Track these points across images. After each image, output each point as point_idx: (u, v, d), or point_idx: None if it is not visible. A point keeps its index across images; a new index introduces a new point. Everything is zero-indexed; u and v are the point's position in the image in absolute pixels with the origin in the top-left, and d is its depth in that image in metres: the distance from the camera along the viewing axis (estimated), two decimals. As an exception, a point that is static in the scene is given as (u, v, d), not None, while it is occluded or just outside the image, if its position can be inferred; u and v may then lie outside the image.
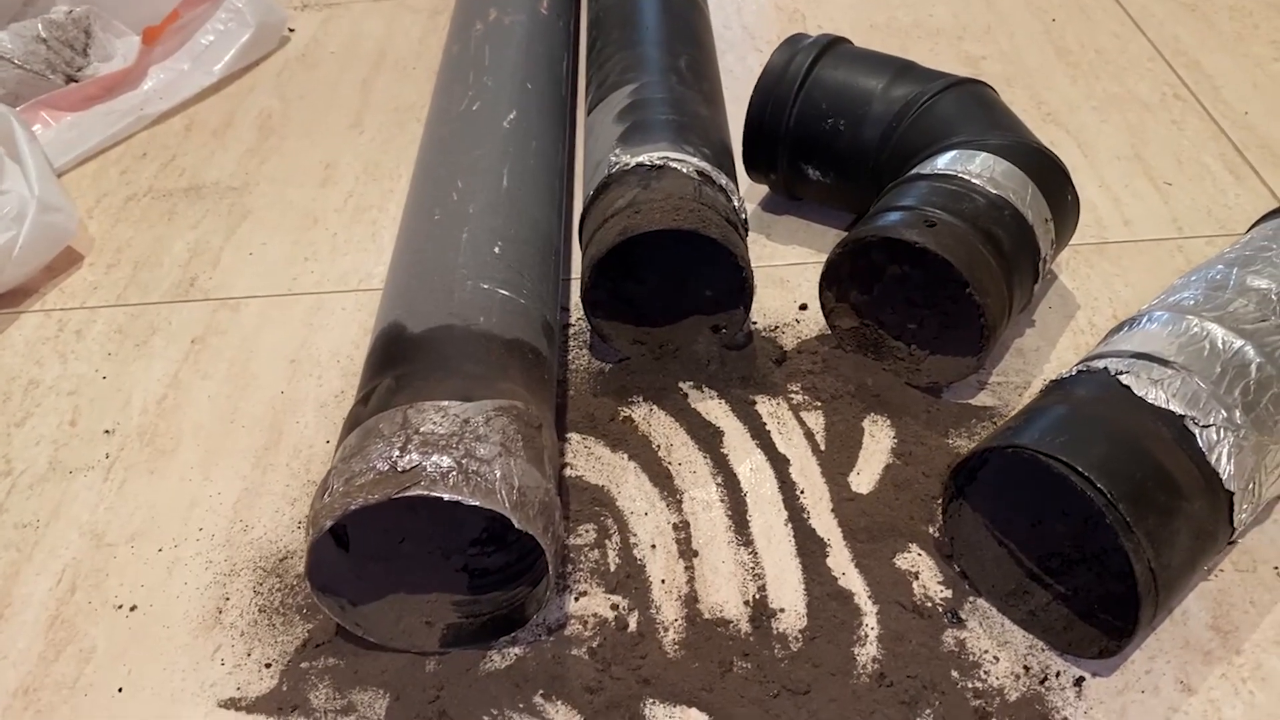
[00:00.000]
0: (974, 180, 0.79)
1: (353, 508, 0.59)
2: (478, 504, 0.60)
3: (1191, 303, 0.69)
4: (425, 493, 0.59)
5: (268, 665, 0.68)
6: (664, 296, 0.89)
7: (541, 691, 0.65)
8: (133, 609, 0.73)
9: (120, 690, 0.68)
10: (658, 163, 0.84)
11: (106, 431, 0.86)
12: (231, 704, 0.67)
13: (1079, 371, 0.67)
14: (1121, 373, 0.64)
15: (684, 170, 0.83)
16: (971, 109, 0.88)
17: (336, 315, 0.94)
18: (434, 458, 0.61)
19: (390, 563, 0.70)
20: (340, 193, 1.10)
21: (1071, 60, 1.20)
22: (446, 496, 0.59)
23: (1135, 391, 0.63)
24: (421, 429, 0.63)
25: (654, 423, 0.82)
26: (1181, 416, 0.61)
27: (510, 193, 0.85)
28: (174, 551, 0.76)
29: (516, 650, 0.68)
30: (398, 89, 1.26)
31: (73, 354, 0.93)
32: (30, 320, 0.97)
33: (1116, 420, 0.62)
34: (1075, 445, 0.60)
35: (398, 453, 0.61)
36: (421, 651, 0.67)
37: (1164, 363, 0.64)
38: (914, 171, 0.83)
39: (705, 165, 0.85)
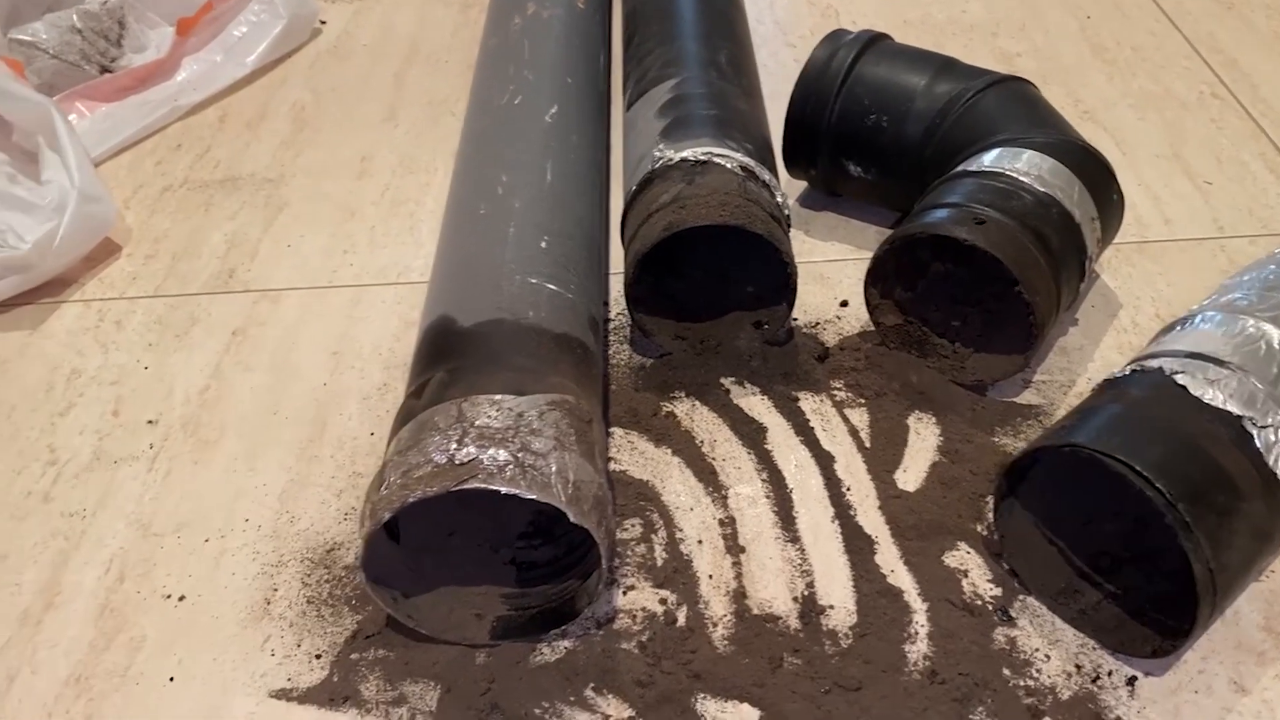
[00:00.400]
0: (1021, 178, 0.79)
1: (411, 500, 0.59)
2: (534, 497, 0.60)
3: (1245, 303, 0.69)
4: (484, 486, 0.59)
5: (318, 656, 0.69)
6: (705, 292, 0.89)
7: (592, 685, 0.65)
8: (181, 599, 0.73)
9: (171, 680, 0.68)
10: (702, 158, 0.84)
11: (150, 422, 0.86)
12: (283, 695, 0.67)
13: (1132, 371, 0.67)
14: (1177, 372, 0.64)
15: (728, 165, 0.83)
16: (1015, 106, 0.87)
17: (376, 308, 0.95)
18: (491, 451, 0.61)
19: (440, 555, 0.70)
20: (377, 186, 1.10)
21: (1107, 57, 1.20)
22: (504, 490, 0.60)
23: (1191, 391, 0.63)
24: (477, 422, 0.63)
25: (696, 418, 0.82)
26: (1239, 417, 0.61)
27: (554, 188, 0.85)
28: (221, 542, 0.76)
29: (566, 644, 0.68)
30: (431, 82, 1.26)
31: (113, 344, 0.93)
32: (70, 310, 0.97)
33: (1173, 420, 0.62)
34: (1133, 445, 0.60)
35: (455, 445, 0.61)
36: (472, 644, 0.68)
37: (1219, 363, 0.64)
38: (960, 168, 0.83)
39: (749, 160, 0.85)
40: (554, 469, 0.62)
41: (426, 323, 0.75)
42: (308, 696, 0.67)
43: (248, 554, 0.75)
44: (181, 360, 0.91)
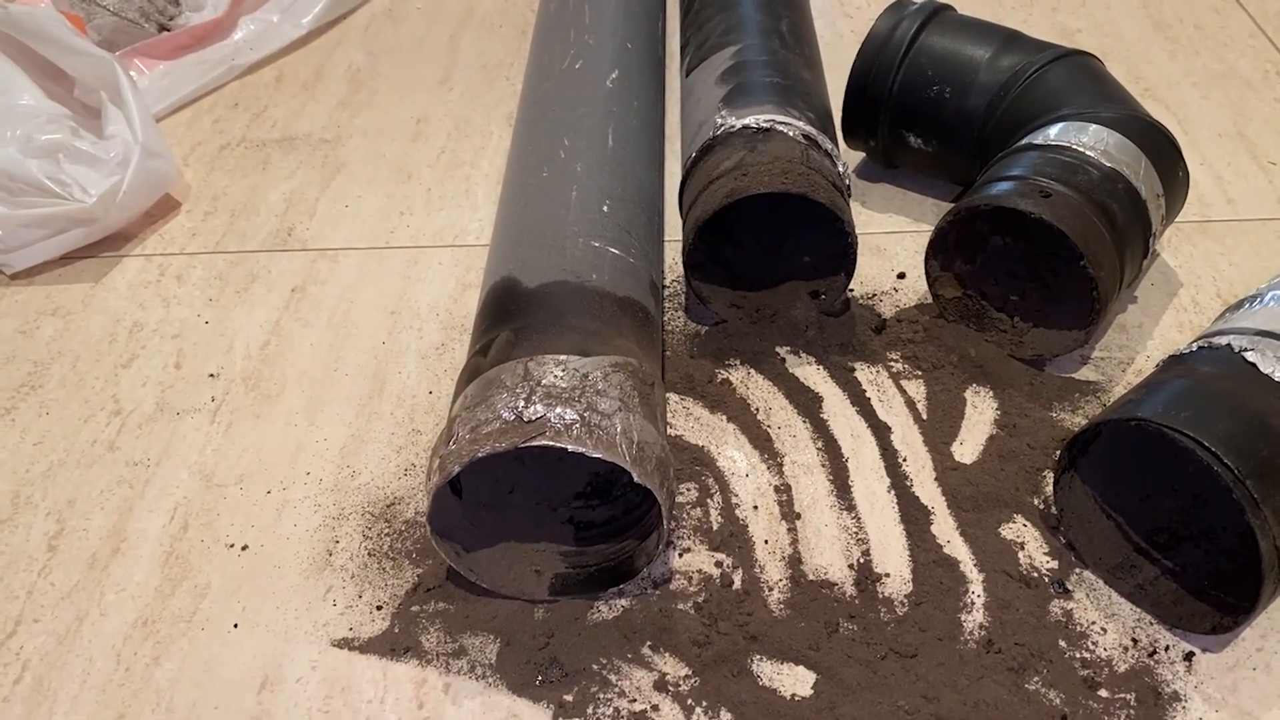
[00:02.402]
0: (1087, 152, 0.78)
1: (481, 454, 0.60)
2: (601, 456, 0.61)
3: (1316, 282, 0.68)
4: (551, 443, 0.60)
5: (379, 608, 0.70)
6: (762, 260, 0.89)
7: (650, 643, 0.66)
8: (244, 548, 0.74)
9: (235, 626, 0.70)
10: (764, 125, 0.84)
11: (211, 375, 0.87)
12: (345, 644, 0.68)
13: (1199, 348, 0.67)
14: (1246, 350, 0.64)
15: (790, 134, 0.83)
16: (1081, 80, 0.87)
17: (434, 269, 0.95)
18: (558, 410, 0.62)
19: (500, 512, 0.71)
20: (432, 148, 1.10)
21: (1170, 35, 1.18)
22: (571, 447, 0.60)
23: (1261, 369, 0.62)
24: (543, 381, 0.64)
25: (752, 386, 0.82)
26: (1309, 396, 0.61)
27: (615, 152, 0.85)
28: (282, 494, 0.78)
29: (624, 602, 0.69)
30: (485, 46, 1.26)
31: (174, 298, 0.95)
32: (132, 264, 0.99)
33: (1242, 397, 0.61)
34: (1201, 420, 0.60)
35: (522, 403, 0.62)
36: (530, 599, 0.69)
37: (1290, 341, 0.64)
38: (1024, 142, 0.83)
39: (811, 129, 0.84)
40: (619, 429, 0.62)
41: (490, 283, 0.76)
42: (369, 647, 0.68)
43: (309, 506, 0.77)
44: (241, 315, 0.92)
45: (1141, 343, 0.83)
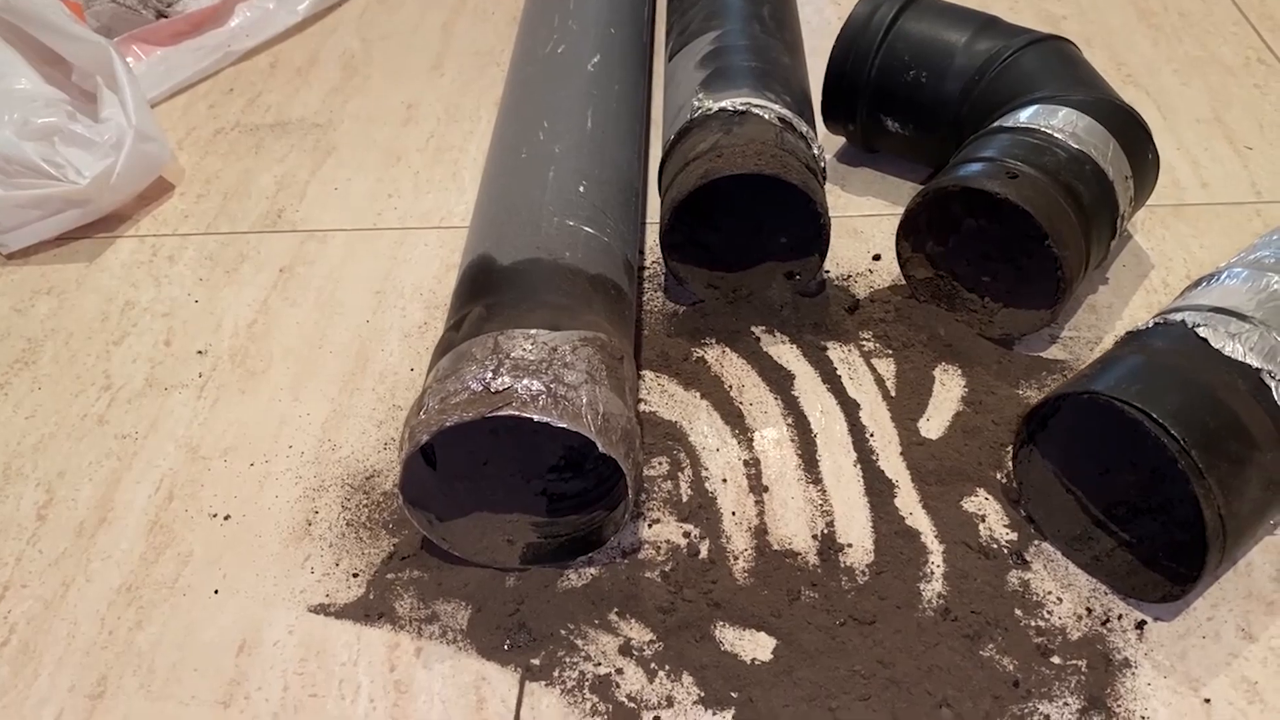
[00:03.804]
0: (1056, 134, 0.80)
1: (448, 424, 0.62)
2: (565, 426, 0.62)
3: (1272, 260, 0.69)
4: (516, 413, 0.62)
5: (355, 575, 0.72)
6: (739, 242, 0.90)
7: (616, 610, 0.68)
8: (227, 518, 0.76)
9: (216, 592, 0.72)
10: (740, 108, 0.85)
11: (199, 352, 0.89)
12: (321, 609, 0.70)
13: (1156, 324, 0.68)
14: (1199, 325, 0.65)
15: (766, 116, 0.85)
16: (1055, 65, 0.88)
17: (419, 250, 0.97)
18: (524, 381, 0.63)
19: (474, 483, 0.73)
20: (422, 133, 1.12)
21: (1154, 22, 1.19)
22: (536, 417, 0.62)
23: (1212, 344, 0.64)
24: (512, 354, 0.65)
25: (726, 364, 0.84)
26: (1258, 370, 0.62)
27: (594, 135, 0.87)
28: (265, 466, 0.80)
29: (593, 570, 0.70)
30: (477, 33, 1.28)
31: (166, 278, 0.97)
32: (126, 245, 1.01)
33: (1192, 371, 0.63)
34: (1151, 393, 0.61)
35: (490, 375, 0.64)
36: (502, 567, 0.71)
37: (1242, 317, 0.65)
38: (995, 124, 0.84)
39: (787, 112, 0.86)
40: (585, 400, 0.64)
41: (467, 260, 0.77)
42: (344, 612, 0.70)
43: (290, 478, 0.79)
44: (231, 295, 0.95)
45: (1110, 323, 0.84)
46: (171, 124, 1.16)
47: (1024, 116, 0.83)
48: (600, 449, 0.63)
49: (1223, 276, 0.70)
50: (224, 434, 0.82)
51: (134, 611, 0.71)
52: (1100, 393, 0.62)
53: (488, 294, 0.72)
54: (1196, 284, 0.72)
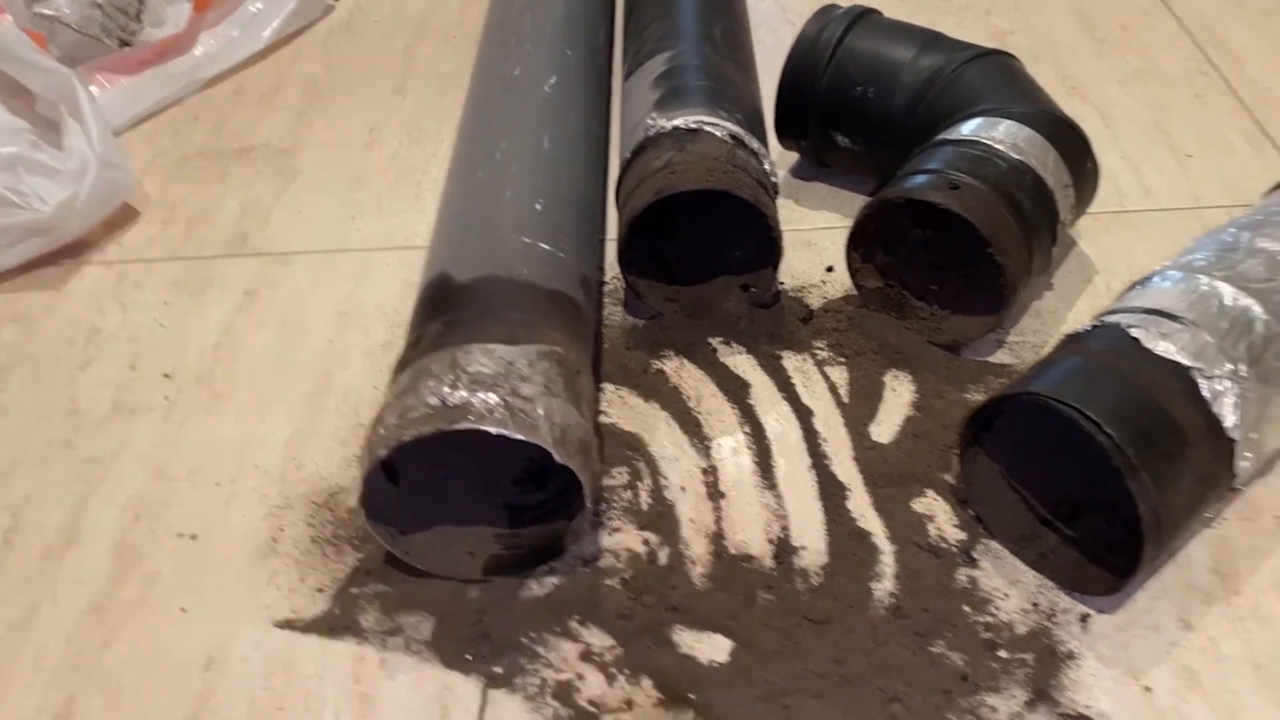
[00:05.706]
0: (997, 145, 0.82)
1: (405, 439, 0.63)
2: (522, 438, 0.64)
3: (1203, 263, 0.72)
4: (473, 426, 0.63)
5: (320, 590, 0.73)
6: (696, 257, 0.92)
7: (577, 617, 0.70)
8: (193, 537, 0.77)
9: (184, 610, 0.73)
10: (693, 126, 0.87)
11: (166, 375, 0.90)
12: (287, 625, 0.71)
13: (1093, 327, 0.71)
14: (1132, 326, 0.67)
15: (718, 134, 0.87)
16: (997, 79, 0.91)
17: (382, 271, 0.99)
18: (481, 395, 0.65)
19: (437, 497, 0.74)
20: (385, 155, 1.14)
21: (1098, 36, 1.22)
22: (493, 430, 0.64)
23: (1144, 344, 0.66)
24: (469, 369, 0.67)
25: (684, 375, 0.86)
26: (1188, 368, 0.65)
27: (550, 154, 0.89)
28: (231, 486, 0.81)
29: (554, 580, 0.72)
30: (439, 56, 1.30)
31: (132, 303, 0.98)
32: (91, 272, 1.02)
33: (1126, 371, 0.65)
34: (1086, 393, 0.63)
35: (448, 390, 0.65)
36: (465, 579, 0.72)
37: (1173, 318, 0.67)
38: (940, 137, 0.86)
39: (738, 130, 0.88)
40: (541, 413, 0.66)
41: (426, 279, 0.79)
42: (310, 627, 0.71)
43: (256, 497, 0.80)
44: (197, 319, 0.96)
45: (1055, 327, 0.87)
46: (137, 151, 1.18)
47: (967, 129, 0.85)
48: (557, 459, 0.65)
49: (1156, 279, 0.73)
50: (190, 455, 0.83)
51: (102, 631, 0.72)
52: (1038, 394, 0.64)
53: (446, 311, 0.74)
54: (1133, 287, 0.75)
